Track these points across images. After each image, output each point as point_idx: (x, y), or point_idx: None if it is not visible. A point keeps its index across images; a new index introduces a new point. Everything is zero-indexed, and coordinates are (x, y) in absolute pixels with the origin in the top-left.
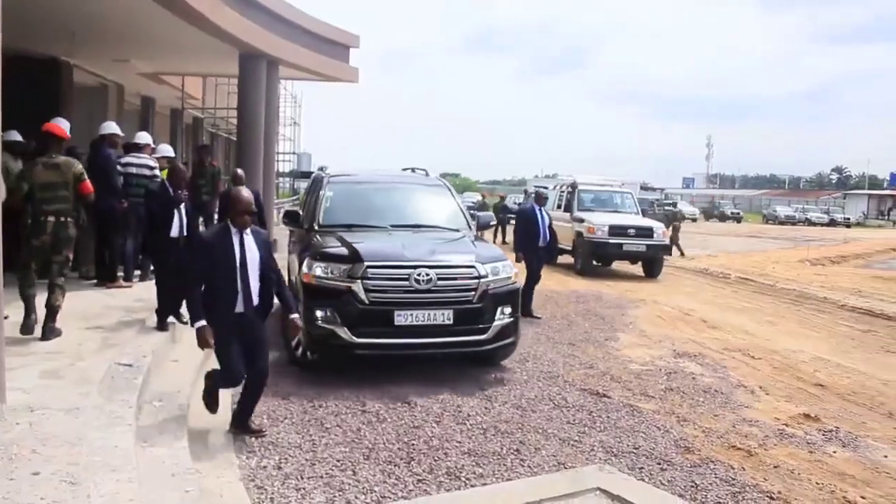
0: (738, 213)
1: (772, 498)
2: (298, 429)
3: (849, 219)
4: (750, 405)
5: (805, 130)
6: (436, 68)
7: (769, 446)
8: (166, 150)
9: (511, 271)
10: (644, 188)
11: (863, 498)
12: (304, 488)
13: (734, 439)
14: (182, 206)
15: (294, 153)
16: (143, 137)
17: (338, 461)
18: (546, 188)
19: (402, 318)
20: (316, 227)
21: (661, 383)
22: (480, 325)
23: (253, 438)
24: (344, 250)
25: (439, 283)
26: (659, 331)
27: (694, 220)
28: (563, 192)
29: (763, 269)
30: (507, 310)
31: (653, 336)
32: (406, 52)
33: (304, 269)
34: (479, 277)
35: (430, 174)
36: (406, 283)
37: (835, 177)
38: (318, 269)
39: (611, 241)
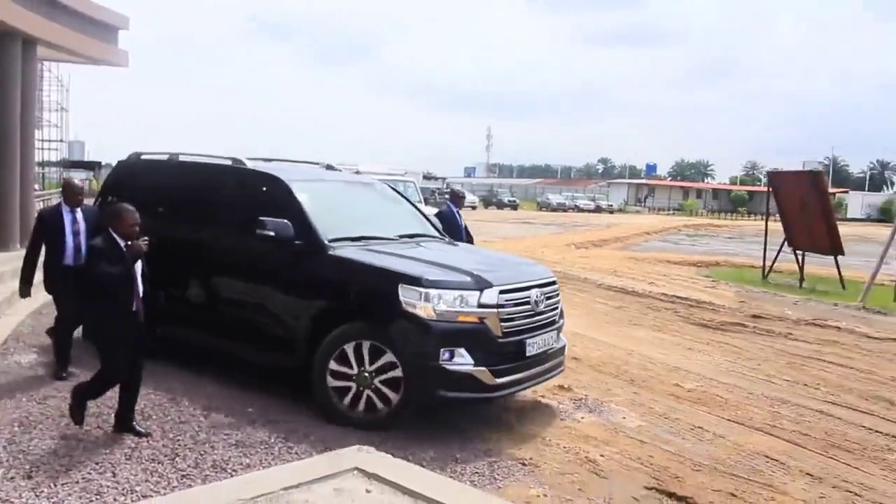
0: (515, 201)
1: (524, 464)
2: (54, 434)
3: (612, 205)
4: None
5: (575, 124)
6: (224, 54)
7: (525, 418)
8: None
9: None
10: (427, 177)
11: (602, 456)
12: (57, 496)
13: (495, 414)
14: (79, 226)
15: (63, 141)
16: None
17: (97, 464)
18: None
19: (532, 347)
20: (326, 242)
21: None
22: (563, 344)
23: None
24: (460, 274)
25: (546, 301)
26: None
27: (473, 207)
28: None
29: (533, 253)
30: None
31: None
32: (192, 38)
33: (414, 299)
34: (559, 292)
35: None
36: (528, 306)
37: (601, 167)
38: (441, 301)
39: None
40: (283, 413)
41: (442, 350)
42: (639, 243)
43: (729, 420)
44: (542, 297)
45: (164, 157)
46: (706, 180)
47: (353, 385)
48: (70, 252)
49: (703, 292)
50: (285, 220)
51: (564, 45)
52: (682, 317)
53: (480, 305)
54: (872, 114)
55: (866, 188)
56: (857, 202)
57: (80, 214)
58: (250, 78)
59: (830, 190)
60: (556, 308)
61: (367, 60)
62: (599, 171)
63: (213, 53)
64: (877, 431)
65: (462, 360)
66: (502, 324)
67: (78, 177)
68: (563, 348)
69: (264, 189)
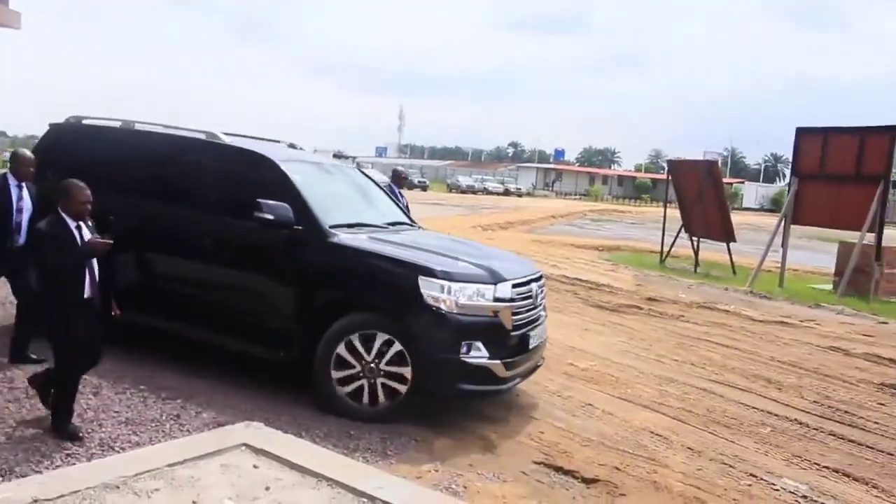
0: (425, 182)
1: (416, 441)
2: None
3: (520, 189)
4: None
5: (487, 108)
6: (127, 22)
7: (420, 396)
8: None
9: None
10: (337, 156)
11: (494, 433)
12: None
13: None
14: (24, 203)
15: None
16: None
17: None
18: None
19: (533, 340)
20: (328, 229)
21: None
22: (546, 336)
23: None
24: (475, 268)
25: (541, 295)
26: None
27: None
28: None
29: None
30: None
31: None
32: (99, 4)
33: (435, 292)
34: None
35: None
36: (531, 300)
37: (511, 151)
38: (462, 294)
39: None
40: (175, 390)
41: (462, 343)
42: (545, 227)
43: (619, 398)
44: (539, 290)
45: (115, 125)
46: (612, 167)
47: (359, 377)
48: (13, 231)
49: (604, 275)
50: (284, 204)
51: (477, 28)
52: (581, 299)
53: (496, 299)
54: (769, 109)
55: (761, 180)
56: (751, 193)
57: (25, 191)
58: (155, 49)
59: (727, 180)
60: (543, 302)
61: (276, 36)
62: (509, 155)
63: (114, 20)
64: (753, 408)
65: (478, 353)
66: (512, 317)
67: None
68: (545, 341)
69: (251, 168)
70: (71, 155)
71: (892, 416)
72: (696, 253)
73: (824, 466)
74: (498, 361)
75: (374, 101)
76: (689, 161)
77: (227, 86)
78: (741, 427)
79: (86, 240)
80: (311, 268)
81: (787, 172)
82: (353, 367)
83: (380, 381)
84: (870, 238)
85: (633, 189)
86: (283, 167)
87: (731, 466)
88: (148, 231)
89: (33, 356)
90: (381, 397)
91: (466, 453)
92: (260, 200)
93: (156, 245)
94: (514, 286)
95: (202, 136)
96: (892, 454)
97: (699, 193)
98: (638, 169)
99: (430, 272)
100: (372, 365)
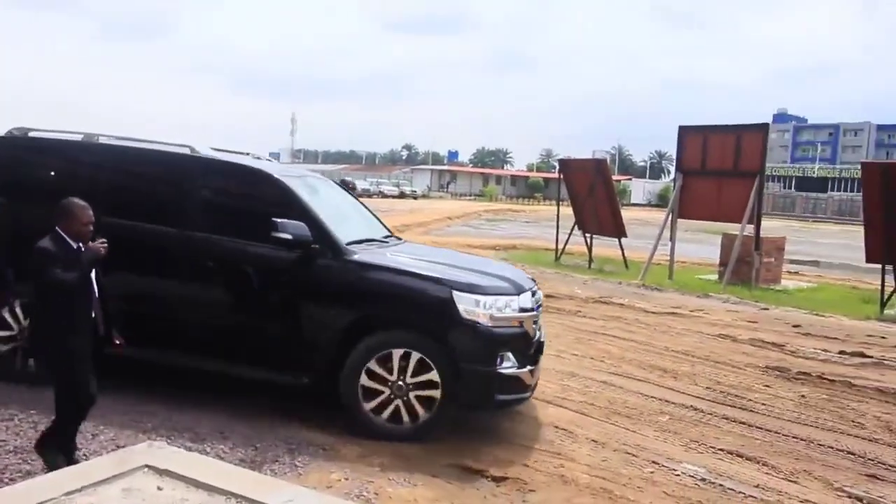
0: None
1: (325, 449)
2: None
3: (415, 191)
4: None
5: (380, 111)
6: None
7: (323, 404)
8: None
9: None
10: None
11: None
12: None
13: (292, 402)
14: None
15: None
16: None
17: None
18: None
19: (544, 345)
20: (346, 246)
21: None
22: None
23: None
24: (499, 280)
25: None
26: None
27: None
28: None
29: None
30: None
31: None
32: None
33: (471, 306)
34: None
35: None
36: (541, 308)
37: (405, 153)
38: (494, 307)
39: None
40: None
41: (498, 355)
42: (441, 228)
43: None
44: (541, 297)
45: (76, 138)
46: (505, 167)
47: (389, 395)
48: None
49: None
50: (300, 223)
51: (364, 31)
52: None
53: (521, 310)
54: (654, 109)
55: (647, 176)
56: (639, 189)
57: None
58: (34, 50)
59: (616, 177)
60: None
61: (160, 38)
62: (403, 158)
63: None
64: (651, 397)
65: (510, 364)
66: (532, 325)
67: None
68: None
69: (247, 185)
70: (22, 170)
71: (778, 397)
72: (590, 249)
73: (719, 449)
74: (525, 369)
75: (266, 105)
76: (579, 160)
77: (103, 91)
78: (641, 416)
79: (83, 249)
80: (332, 287)
81: (672, 169)
82: (384, 384)
83: (411, 397)
84: (750, 229)
85: (527, 188)
86: (288, 184)
87: (633, 455)
88: (137, 258)
89: None
90: (415, 414)
91: (375, 459)
92: (276, 220)
93: (146, 271)
94: (534, 295)
95: (185, 151)
96: (778, 433)
97: (590, 191)
98: (530, 168)
99: (463, 287)
100: (401, 383)
